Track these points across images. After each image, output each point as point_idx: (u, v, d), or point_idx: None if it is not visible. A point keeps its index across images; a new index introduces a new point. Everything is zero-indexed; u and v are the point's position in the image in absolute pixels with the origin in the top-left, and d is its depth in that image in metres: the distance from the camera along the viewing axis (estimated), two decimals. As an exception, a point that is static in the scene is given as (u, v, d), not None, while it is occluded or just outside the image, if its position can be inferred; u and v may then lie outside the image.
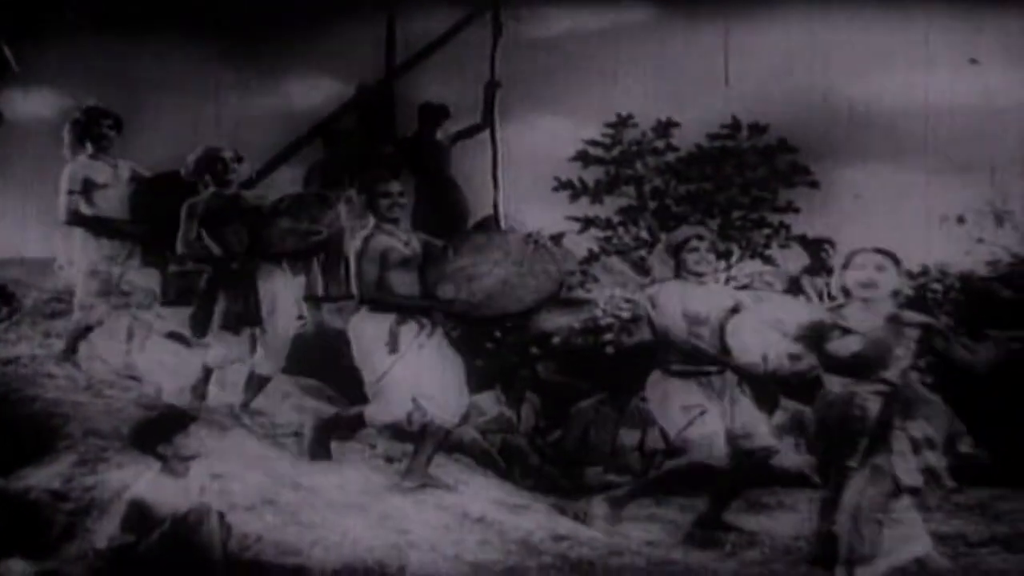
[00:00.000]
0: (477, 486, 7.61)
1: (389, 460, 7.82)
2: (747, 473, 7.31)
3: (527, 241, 7.56)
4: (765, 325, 6.97)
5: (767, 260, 9.99)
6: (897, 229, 9.19)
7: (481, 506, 7.18)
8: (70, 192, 8.32)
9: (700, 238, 7.36)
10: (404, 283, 7.37)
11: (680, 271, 7.31)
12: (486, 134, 10.13)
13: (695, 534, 7.26)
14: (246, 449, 7.54)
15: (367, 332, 7.34)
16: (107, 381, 8.39)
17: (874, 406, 6.12)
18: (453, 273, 7.42)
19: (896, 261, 6.28)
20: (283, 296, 8.09)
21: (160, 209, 8.22)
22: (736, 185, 10.05)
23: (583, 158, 10.03)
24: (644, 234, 10.07)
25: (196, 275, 8.28)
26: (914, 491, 6.18)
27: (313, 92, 10.01)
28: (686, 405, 7.17)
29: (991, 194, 9.42)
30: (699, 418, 7.14)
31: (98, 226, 8.38)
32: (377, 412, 7.36)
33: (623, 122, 10.02)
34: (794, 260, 9.91)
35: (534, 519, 7.17)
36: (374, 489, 7.19)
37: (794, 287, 9.69)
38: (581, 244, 10.09)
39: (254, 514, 6.70)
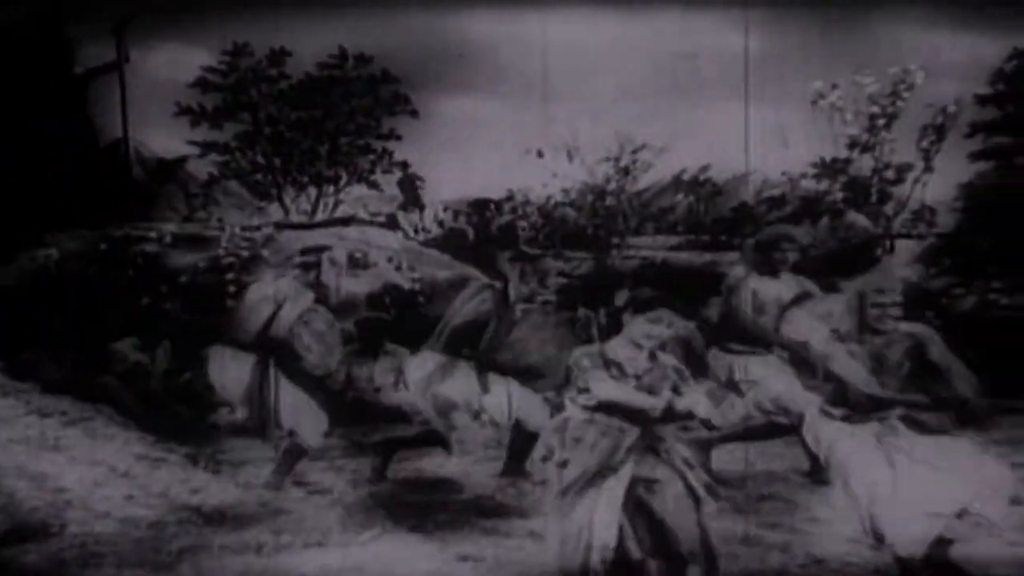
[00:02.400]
0: (121, 440, 8.05)
1: (44, 415, 8.08)
2: None
3: None
4: None
5: (372, 185, 10.95)
6: (487, 159, 10.19)
7: (126, 461, 7.78)
8: None
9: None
10: None
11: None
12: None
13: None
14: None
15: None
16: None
17: None
18: None
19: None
20: None
21: None
22: (343, 113, 10.82)
23: (202, 84, 10.48)
24: (260, 159, 10.83)
25: None
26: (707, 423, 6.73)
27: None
28: None
29: (565, 131, 10.47)
30: None
31: None
32: None
33: (239, 50, 10.49)
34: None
35: (171, 472, 7.82)
36: (33, 448, 7.67)
37: (392, 222, 10.80)
38: (202, 168, 10.67)
39: (-82, 480, 7.16)
